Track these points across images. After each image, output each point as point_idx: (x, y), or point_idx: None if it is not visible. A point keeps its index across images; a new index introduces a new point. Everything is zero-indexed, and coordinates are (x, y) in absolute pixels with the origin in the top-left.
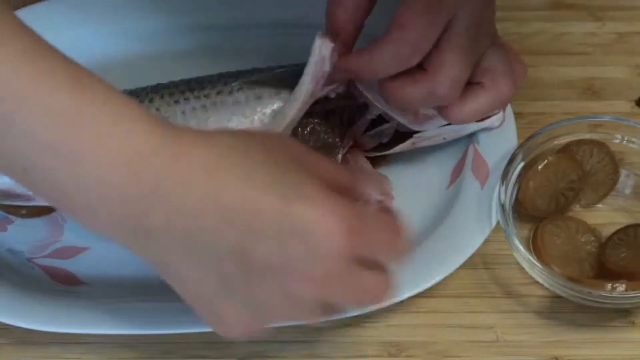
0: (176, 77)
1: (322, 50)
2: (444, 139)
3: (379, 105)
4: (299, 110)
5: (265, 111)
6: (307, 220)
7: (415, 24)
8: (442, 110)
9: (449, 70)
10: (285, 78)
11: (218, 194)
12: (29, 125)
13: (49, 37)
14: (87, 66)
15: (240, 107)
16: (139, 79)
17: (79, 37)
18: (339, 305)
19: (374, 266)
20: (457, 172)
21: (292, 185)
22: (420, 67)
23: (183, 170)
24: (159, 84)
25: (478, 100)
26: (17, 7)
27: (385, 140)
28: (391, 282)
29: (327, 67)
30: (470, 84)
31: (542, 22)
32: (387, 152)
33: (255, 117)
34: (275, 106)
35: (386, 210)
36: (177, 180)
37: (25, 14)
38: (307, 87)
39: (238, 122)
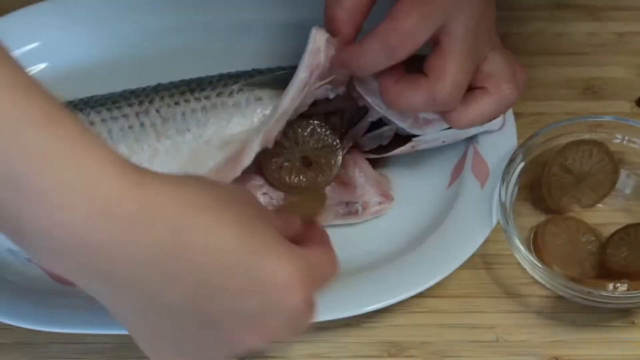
0: (175, 78)
1: (316, 40)
2: (443, 142)
3: (379, 109)
4: (292, 100)
5: (266, 112)
6: (271, 276)
7: (406, 16)
8: (445, 115)
9: (450, 76)
10: (286, 79)
11: (184, 247)
12: None
13: (49, 37)
14: (86, 66)
15: (240, 108)
16: (139, 80)
17: (80, 38)
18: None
19: None
20: (457, 172)
21: (259, 240)
22: (422, 73)
23: (149, 220)
24: (159, 84)
25: (481, 105)
26: (18, 7)
27: (385, 142)
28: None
29: (321, 58)
30: (473, 89)
31: (542, 22)
32: (387, 155)
33: (255, 119)
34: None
35: (326, 244)
36: (143, 230)
37: (26, 13)
38: (300, 76)
39: (237, 123)
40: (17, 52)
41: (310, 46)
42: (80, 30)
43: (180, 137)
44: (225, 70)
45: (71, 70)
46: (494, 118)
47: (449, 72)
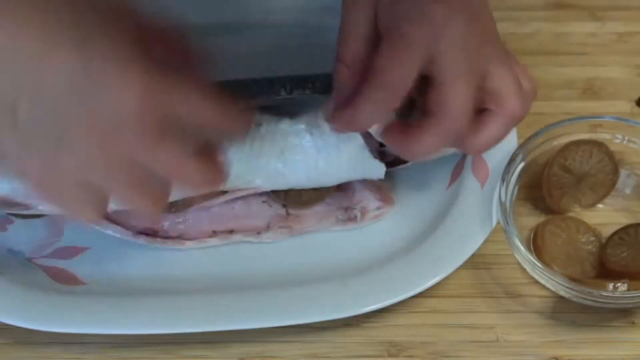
0: None
1: None
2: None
3: (378, 138)
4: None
5: (265, 138)
6: (105, 72)
7: (391, 65)
8: (459, 145)
9: (455, 108)
10: (287, 105)
11: (19, 38)
12: None
13: None
14: None
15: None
16: None
17: None
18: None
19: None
20: (457, 172)
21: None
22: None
23: None
24: None
25: (491, 129)
26: None
27: (388, 159)
28: (219, 169)
29: None
30: (479, 111)
31: (542, 22)
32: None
33: (255, 145)
34: (277, 134)
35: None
36: None
37: None
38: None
39: (236, 149)
40: None
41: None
42: None
43: None
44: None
45: None
46: (507, 134)
47: (453, 104)
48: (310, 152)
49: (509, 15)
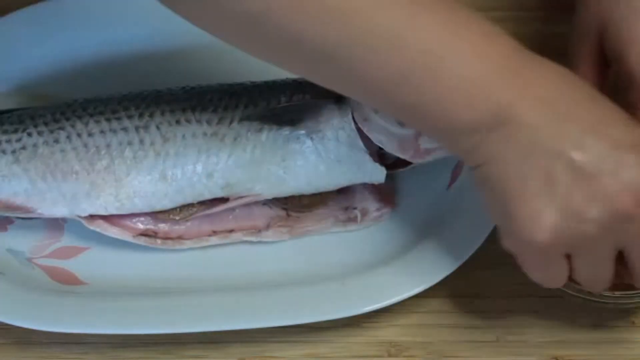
0: (171, 80)
1: None
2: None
3: (380, 145)
4: None
5: (266, 145)
6: None
7: None
8: None
9: None
10: (288, 113)
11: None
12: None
13: (49, 37)
14: (89, 67)
15: (241, 142)
16: (140, 81)
17: (80, 38)
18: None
19: None
20: (457, 172)
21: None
22: None
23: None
24: (159, 92)
25: None
26: (18, 7)
27: (389, 162)
28: None
29: None
30: None
31: (542, 22)
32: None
33: (257, 152)
34: (278, 141)
35: None
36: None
37: (26, 14)
38: None
39: (238, 157)
40: (17, 52)
41: None
42: (81, 31)
43: (181, 159)
44: (220, 72)
45: (71, 70)
46: None
47: None
48: (311, 157)
49: (509, 15)
